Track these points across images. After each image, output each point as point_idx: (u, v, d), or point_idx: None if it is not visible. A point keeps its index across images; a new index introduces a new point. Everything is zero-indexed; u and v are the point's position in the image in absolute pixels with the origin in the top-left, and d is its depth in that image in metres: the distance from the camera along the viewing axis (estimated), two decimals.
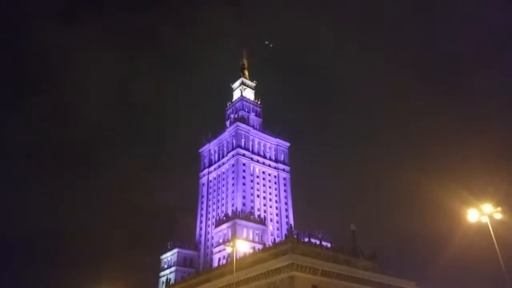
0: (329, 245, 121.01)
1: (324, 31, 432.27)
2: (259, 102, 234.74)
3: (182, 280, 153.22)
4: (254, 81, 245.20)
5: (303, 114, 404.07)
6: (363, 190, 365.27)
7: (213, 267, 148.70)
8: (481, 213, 41.49)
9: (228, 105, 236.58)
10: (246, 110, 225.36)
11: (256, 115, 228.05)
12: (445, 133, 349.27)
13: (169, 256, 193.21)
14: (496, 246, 40.02)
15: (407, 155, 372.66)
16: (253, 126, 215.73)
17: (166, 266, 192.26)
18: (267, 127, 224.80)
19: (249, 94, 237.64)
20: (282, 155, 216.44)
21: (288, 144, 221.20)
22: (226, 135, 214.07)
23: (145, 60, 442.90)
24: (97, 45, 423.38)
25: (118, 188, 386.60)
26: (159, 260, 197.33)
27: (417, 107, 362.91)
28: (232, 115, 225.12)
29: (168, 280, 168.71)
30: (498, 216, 41.17)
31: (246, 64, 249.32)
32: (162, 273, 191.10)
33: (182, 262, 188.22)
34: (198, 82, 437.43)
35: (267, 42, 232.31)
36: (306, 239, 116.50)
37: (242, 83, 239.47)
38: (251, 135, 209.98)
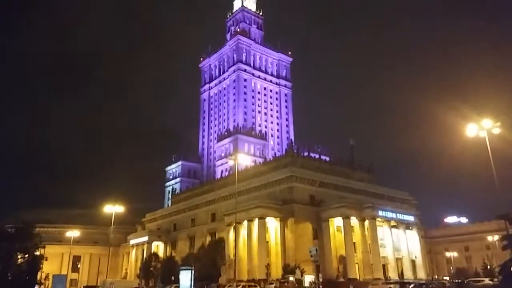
0: (328, 159, 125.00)
1: None
2: (261, 13, 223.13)
3: (187, 189, 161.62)
4: None
5: (307, 27, 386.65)
6: (363, 105, 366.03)
7: (216, 179, 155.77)
8: (480, 128, 41.82)
9: (228, 16, 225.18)
10: (247, 22, 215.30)
11: (257, 28, 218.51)
12: (455, 46, 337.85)
13: (174, 168, 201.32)
14: (492, 161, 41.02)
15: (409, 71, 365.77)
16: (254, 40, 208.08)
17: (171, 177, 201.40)
18: (269, 41, 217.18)
19: (251, 4, 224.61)
20: (284, 70, 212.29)
21: (290, 59, 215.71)
22: (226, 49, 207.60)
23: None
24: None
25: (119, 100, 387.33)
26: (165, 172, 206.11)
27: (429, 20, 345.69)
28: (232, 28, 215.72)
29: (173, 190, 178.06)
30: (497, 130, 41.53)
31: None
32: (167, 184, 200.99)
33: (186, 174, 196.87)
34: None
35: None
36: (306, 153, 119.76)
37: None
38: (252, 49, 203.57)
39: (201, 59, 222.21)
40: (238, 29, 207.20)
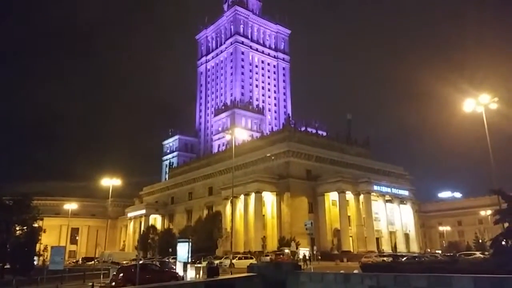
0: (324, 133, 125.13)
1: None
2: None
3: (185, 163, 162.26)
4: None
5: None
6: (361, 80, 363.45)
7: (213, 153, 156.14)
8: (477, 103, 41.56)
9: None
10: None
11: None
12: (453, 20, 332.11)
13: (171, 142, 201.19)
14: (487, 136, 41.02)
15: (407, 46, 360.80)
16: (252, 11, 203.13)
17: (168, 151, 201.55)
18: (268, 12, 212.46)
19: None
20: (282, 43, 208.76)
21: (289, 32, 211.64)
22: (223, 21, 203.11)
23: None
24: None
25: (118, 72, 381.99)
26: (162, 146, 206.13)
27: None
28: None
29: (171, 164, 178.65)
30: (494, 106, 41.30)
31: None
32: (165, 158, 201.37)
33: (183, 148, 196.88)
34: None
35: None
36: (303, 128, 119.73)
37: None
38: (250, 21, 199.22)
39: (198, 30, 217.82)
40: None
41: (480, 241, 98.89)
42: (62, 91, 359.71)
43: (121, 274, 33.11)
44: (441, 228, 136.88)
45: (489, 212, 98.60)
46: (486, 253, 64.75)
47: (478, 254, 69.12)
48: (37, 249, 60.29)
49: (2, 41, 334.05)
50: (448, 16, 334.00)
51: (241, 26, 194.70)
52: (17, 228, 55.23)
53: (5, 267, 51.76)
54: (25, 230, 55.77)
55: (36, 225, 59.72)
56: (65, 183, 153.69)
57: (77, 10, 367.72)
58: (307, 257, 60.13)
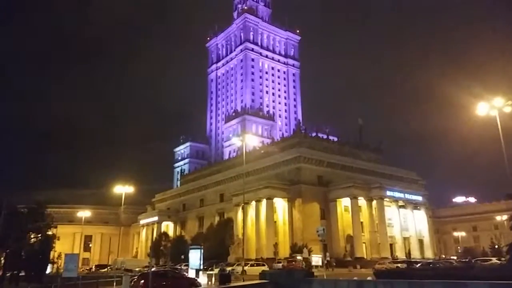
0: (336, 139, 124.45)
1: None
2: None
3: (196, 170, 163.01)
4: None
5: (315, 3, 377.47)
6: (373, 85, 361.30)
7: (224, 159, 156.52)
8: (491, 107, 40.95)
9: None
10: (255, 0, 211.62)
11: (265, 5, 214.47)
12: (467, 24, 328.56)
13: (182, 149, 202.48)
14: (502, 140, 40.29)
15: (419, 49, 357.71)
16: (262, 18, 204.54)
17: (180, 158, 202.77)
18: (277, 19, 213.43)
19: None
20: (292, 49, 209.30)
21: (299, 38, 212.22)
22: (233, 28, 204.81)
23: None
24: None
25: (128, 78, 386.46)
26: (173, 153, 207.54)
27: None
28: (239, 6, 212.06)
29: (182, 171, 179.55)
30: (508, 109, 40.64)
31: None
32: (176, 165, 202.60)
33: (194, 155, 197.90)
34: None
35: None
36: (314, 134, 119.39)
37: None
38: (260, 28, 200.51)
39: (208, 38, 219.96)
40: (245, 7, 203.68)
41: (496, 246, 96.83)
42: (71, 96, 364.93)
43: (142, 281, 33.53)
44: (455, 234, 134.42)
45: (505, 217, 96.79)
46: (503, 259, 63.36)
47: (494, 260, 67.72)
48: (51, 256, 61.00)
49: (12, 44, 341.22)
50: (461, 21, 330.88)
51: (251, 33, 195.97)
52: (32, 236, 56.04)
53: (20, 274, 52.45)
54: (40, 237, 56.57)
55: (50, 232, 60.50)
56: (78, 191, 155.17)
57: (89, 16, 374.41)
58: (312, 264, 59.70)
